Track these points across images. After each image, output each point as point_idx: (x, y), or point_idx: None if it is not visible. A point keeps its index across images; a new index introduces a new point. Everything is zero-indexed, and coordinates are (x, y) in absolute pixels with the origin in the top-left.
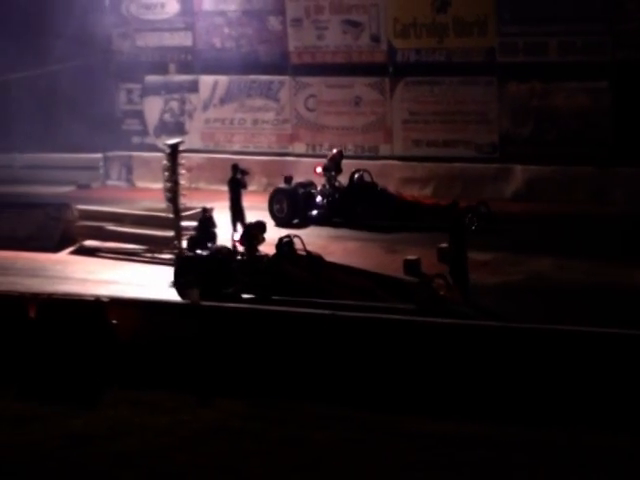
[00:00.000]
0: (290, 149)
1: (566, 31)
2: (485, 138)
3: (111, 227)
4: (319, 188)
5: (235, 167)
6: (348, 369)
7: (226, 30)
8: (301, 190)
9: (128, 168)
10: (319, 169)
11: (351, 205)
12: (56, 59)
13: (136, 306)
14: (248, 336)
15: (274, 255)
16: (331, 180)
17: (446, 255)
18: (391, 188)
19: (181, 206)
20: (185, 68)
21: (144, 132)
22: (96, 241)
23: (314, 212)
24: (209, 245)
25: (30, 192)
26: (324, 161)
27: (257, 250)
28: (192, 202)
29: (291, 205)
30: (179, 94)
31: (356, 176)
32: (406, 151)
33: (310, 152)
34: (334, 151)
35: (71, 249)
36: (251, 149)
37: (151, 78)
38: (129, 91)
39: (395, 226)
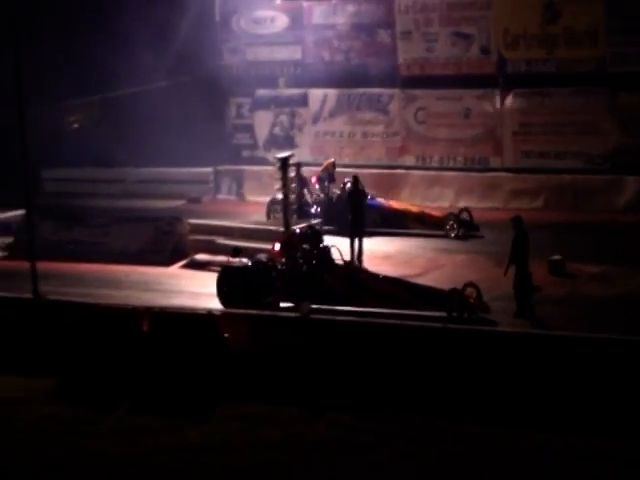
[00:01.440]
0: (400, 162)
1: None
2: (596, 149)
3: (222, 240)
4: (313, 197)
5: (356, 179)
6: (457, 381)
7: (335, 43)
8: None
9: (238, 182)
10: (314, 179)
11: (343, 213)
12: (167, 74)
13: (248, 319)
14: (358, 349)
15: (312, 264)
16: (325, 189)
17: (558, 267)
18: (500, 200)
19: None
20: (295, 82)
21: (254, 146)
22: (207, 255)
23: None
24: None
25: (142, 206)
26: (318, 171)
27: (296, 259)
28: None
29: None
30: (289, 108)
31: (347, 185)
32: (516, 163)
33: (420, 164)
34: (328, 161)
35: (182, 263)
36: (360, 162)
37: (261, 92)
38: (239, 105)
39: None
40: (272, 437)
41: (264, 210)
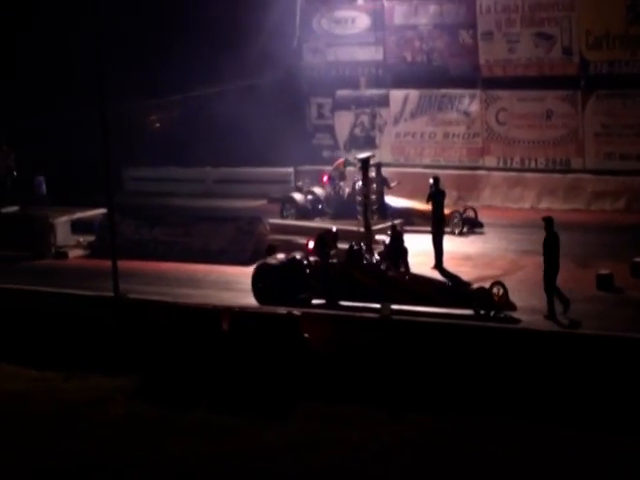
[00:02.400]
0: (481, 163)
1: None
2: None
3: (302, 241)
4: (324, 194)
5: (436, 180)
6: (537, 384)
7: (417, 44)
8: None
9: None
10: (325, 178)
11: (354, 210)
12: (248, 74)
13: (328, 320)
14: (439, 350)
15: (345, 262)
16: (335, 187)
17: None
18: (582, 201)
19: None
20: (376, 82)
21: (335, 146)
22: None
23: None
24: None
25: (222, 206)
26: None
27: (329, 257)
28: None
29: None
30: (370, 108)
31: (358, 183)
32: (598, 164)
33: (501, 166)
34: (339, 160)
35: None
36: (441, 163)
37: (342, 92)
38: (320, 106)
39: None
40: (351, 438)
41: None
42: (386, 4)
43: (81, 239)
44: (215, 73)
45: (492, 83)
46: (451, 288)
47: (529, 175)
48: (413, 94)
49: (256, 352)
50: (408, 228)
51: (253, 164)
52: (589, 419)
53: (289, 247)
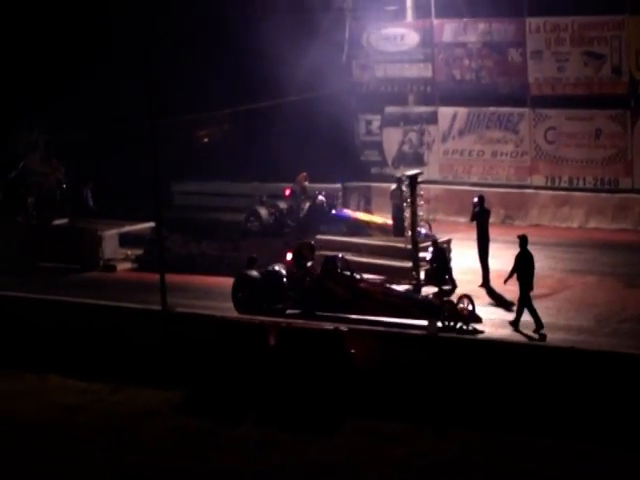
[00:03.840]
0: (529, 181)
1: None
2: None
3: (349, 257)
4: (286, 208)
5: (481, 199)
6: (585, 402)
7: (466, 62)
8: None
9: (366, 198)
10: (287, 192)
11: (315, 223)
12: (298, 90)
13: (374, 336)
14: (485, 368)
15: (319, 273)
16: (298, 201)
17: None
18: (630, 221)
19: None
20: (424, 99)
21: (383, 163)
22: None
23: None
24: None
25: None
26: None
27: (306, 268)
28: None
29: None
30: (418, 125)
31: (319, 198)
32: None
33: (549, 185)
34: (301, 175)
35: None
36: (489, 181)
37: (390, 109)
38: (368, 122)
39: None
40: (397, 455)
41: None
42: (435, 21)
43: (129, 252)
44: (266, 88)
45: (541, 102)
46: (420, 300)
47: (577, 194)
48: (462, 112)
49: (302, 367)
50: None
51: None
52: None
53: None
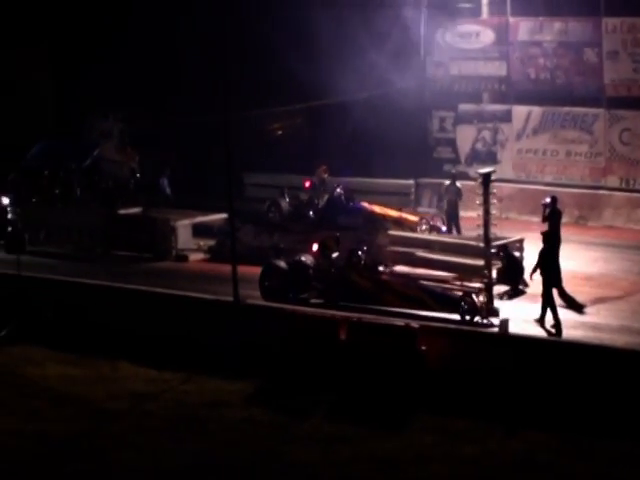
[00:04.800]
0: (603, 182)
1: None
2: None
3: (421, 253)
4: (306, 199)
5: (554, 200)
6: None
7: (541, 61)
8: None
9: (439, 195)
10: (307, 184)
11: (333, 215)
12: (372, 86)
13: (446, 334)
14: (556, 368)
15: (342, 265)
16: (317, 194)
17: None
18: None
19: (491, 235)
20: (498, 98)
21: (456, 160)
22: (406, 267)
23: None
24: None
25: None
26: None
27: (331, 260)
28: (502, 232)
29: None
30: (492, 123)
31: (337, 191)
32: None
33: (624, 186)
34: (321, 167)
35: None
36: (563, 181)
37: (464, 107)
38: (442, 119)
39: None
40: (466, 453)
41: (464, 225)
42: (511, 19)
43: (201, 243)
44: (339, 84)
45: (616, 102)
46: (440, 293)
47: None
48: (536, 111)
49: (372, 362)
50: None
51: (374, 175)
52: None
53: (409, 260)
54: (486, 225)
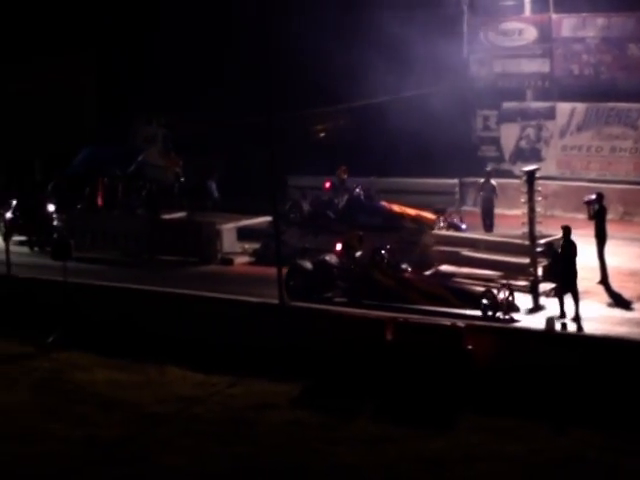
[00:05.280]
0: None
1: None
2: None
3: (466, 252)
4: (326, 200)
5: (599, 196)
6: None
7: (584, 57)
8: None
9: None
10: (327, 184)
11: (353, 215)
12: (416, 85)
13: (492, 332)
14: (602, 365)
15: (366, 263)
16: (337, 194)
17: None
18: None
19: (537, 233)
20: (542, 95)
21: (500, 158)
22: (452, 266)
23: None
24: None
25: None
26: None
27: (354, 259)
28: (547, 230)
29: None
30: (535, 121)
31: (356, 191)
32: None
33: None
34: (341, 168)
35: (427, 273)
36: (607, 177)
37: (508, 105)
38: (486, 117)
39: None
40: (514, 451)
41: (509, 223)
42: (554, 16)
43: (246, 246)
44: (383, 83)
45: None
46: (460, 290)
47: None
48: (580, 107)
49: (419, 362)
50: None
51: (418, 175)
52: None
53: (455, 259)
54: (531, 223)
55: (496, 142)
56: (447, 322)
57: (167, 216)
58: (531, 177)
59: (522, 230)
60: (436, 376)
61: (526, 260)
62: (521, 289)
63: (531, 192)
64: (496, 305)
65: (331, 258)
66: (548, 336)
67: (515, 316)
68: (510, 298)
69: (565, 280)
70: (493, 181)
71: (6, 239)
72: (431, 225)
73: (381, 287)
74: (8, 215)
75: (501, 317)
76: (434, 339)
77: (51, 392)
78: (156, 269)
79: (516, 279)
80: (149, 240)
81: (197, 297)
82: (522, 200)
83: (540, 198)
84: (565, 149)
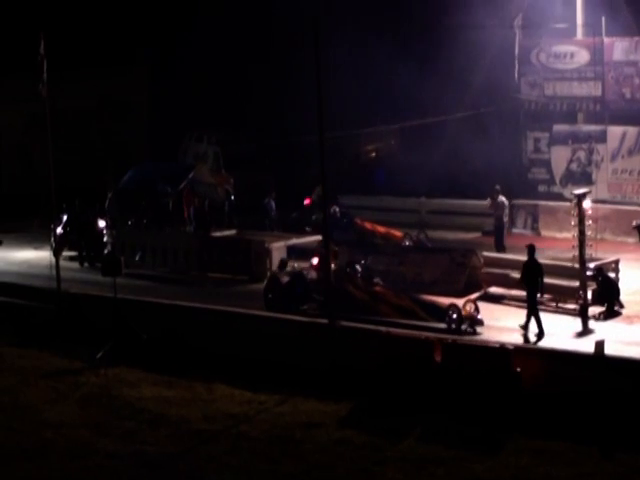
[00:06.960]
0: None
1: None
2: None
3: (516, 275)
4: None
5: None
6: None
7: (636, 81)
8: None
9: (534, 216)
10: (307, 201)
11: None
12: (466, 106)
13: (541, 355)
14: None
15: (339, 277)
16: (315, 210)
17: None
18: None
19: (587, 256)
20: (593, 118)
21: (550, 181)
22: (501, 288)
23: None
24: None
25: (436, 237)
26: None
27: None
28: (597, 253)
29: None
30: (587, 144)
31: (332, 208)
32: None
33: None
34: (319, 187)
35: (476, 295)
36: None
37: (559, 127)
38: (536, 140)
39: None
40: (562, 475)
41: (559, 246)
42: (606, 40)
43: (296, 264)
44: (435, 104)
45: None
46: (428, 303)
47: None
48: (631, 131)
49: (468, 383)
50: None
51: (468, 196)
52: None
53: (504, 281)
54: (581, 246)
55: (547, 164)
56: (496, 344)
57: (217, 233)
58: (581, 200)
59: (572, 253)
60: (485, 397)
61: (575, 283)
62: (570, 312)
63: (581, 215)
64: (460, 318)
65: (308, 272)
66: (597, 359)
67: (478, 329)
68: (474, 312)
69: (529, 297)
70: (502, 197)
71: (56, 254)
72: (398, 242)
73: (355, 301)
74: (59, 230)
75: (464, 329)
76: (483, 360)
77: (99, 407)
78: (205, 286)
79: (565, 302)
80: (199, 257)
81: (246, 315)
82: (572, 223)
83: (590, 222)
84: (616, 172)
